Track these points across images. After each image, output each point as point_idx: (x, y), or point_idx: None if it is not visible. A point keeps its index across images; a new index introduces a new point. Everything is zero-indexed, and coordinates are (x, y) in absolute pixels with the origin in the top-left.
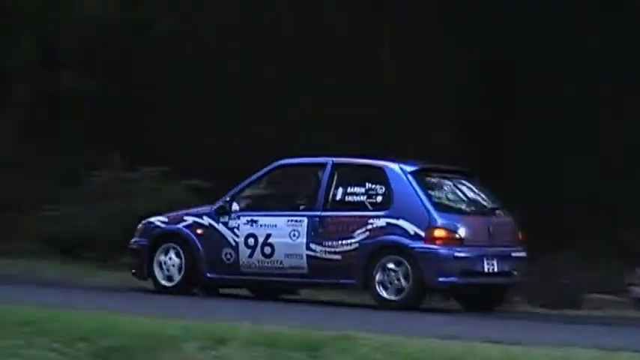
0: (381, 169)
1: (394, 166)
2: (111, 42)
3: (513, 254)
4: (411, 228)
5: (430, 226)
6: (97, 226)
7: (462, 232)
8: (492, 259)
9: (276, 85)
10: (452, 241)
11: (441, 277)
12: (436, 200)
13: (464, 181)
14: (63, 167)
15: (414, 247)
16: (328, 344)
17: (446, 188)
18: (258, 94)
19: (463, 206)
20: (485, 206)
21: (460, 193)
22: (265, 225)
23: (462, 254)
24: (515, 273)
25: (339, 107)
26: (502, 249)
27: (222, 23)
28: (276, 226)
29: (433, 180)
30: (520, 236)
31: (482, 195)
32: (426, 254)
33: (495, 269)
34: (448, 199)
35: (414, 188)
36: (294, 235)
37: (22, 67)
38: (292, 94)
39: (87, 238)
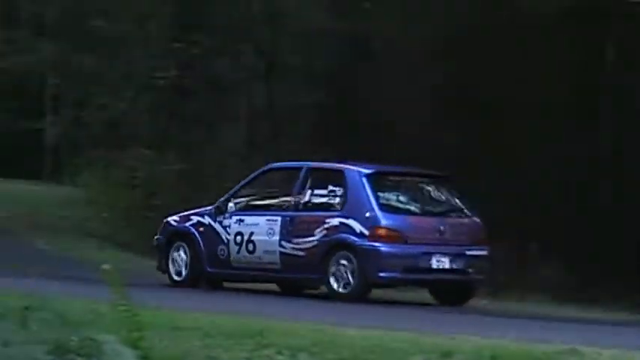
0: (341, 172)
1: (352, 169)
2: (330, 53)
3: (468, 253)
4: (358, 227)
5: (373, 226)
6: None
7: (405, 231)
8: (443, 257)
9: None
10: (394, 239)
11: (382, 272)
12: (384, 202)
13: (431, 185)
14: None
15: (359, 245)
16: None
17: (402, 191)
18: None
19: (413, 207)
20: (440, 208)
21: (417, 196)
22: (250, 224)
23: (403, 252)
24: (470, 270)
25: None
26: (456, 247)
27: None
28: (258, 224)
29: (389, 183)
30: (483, 236)
31: (446, 197)
32: (368, 251)
33: (447, 266)
34: (399, 200)
35: (365, 190)
36: (270, 233)
37: (244, 81)
38: None
39: None
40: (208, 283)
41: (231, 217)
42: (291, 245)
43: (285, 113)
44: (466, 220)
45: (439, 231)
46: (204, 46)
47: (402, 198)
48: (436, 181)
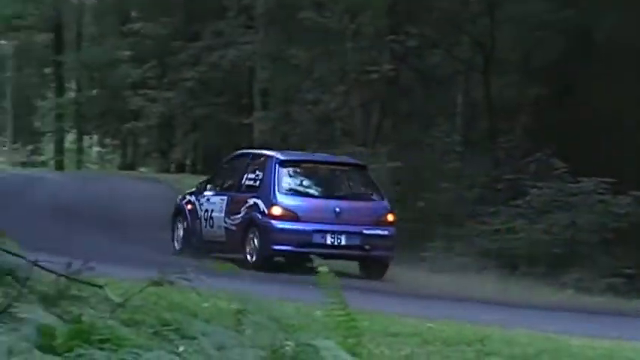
0: (265, 159)
1: (271, 156)
2: (550, 46)
3: (366, 232)
4: (262, 206)
5: (271, 205)
6: (539, 240)
7: (299, 211)
8: (339, 235)
9: None
10: (288, 217)
11: (276, 245)
12: (286, 185)
13: (346, 172)
14: (497, 179)
15: (260, 221)
16: None
17: (310, 177)
18: None
19: (312, 191)
20: (342, 192)
21: (323, 181)
22: (212, 202)
23: (295, 228)
24: (367, 247)
25: None
26: (353, 227)
27: None
28: (215, 203)
29: (300, 169)
30: (387, 218)
31: (356, 184)
32: (266, 227)
33: (343, 243)
34: (302, 185)
35: (273, 174)
36: (220, 210)
37: (460, 75)
38: None
39: (528, 253)
40: (196, 255)
41: (204, 197)
42: (230, 221)
43: (502, 108)
44: (370, 204)
45: (335, 212)
46: (420, 38)
47: (306, 182)
48: (353, 169)
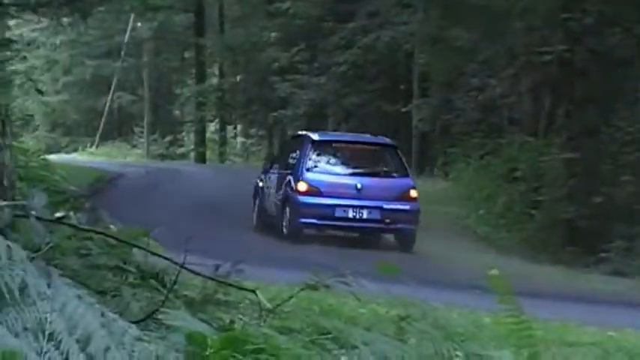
0: (303, 139)
1: (307, 137)
2: None
3: (386, 206)
4: (292, 182)
5: (297, 181)
6: None
7: (321, 186)
8: (361, 209)
9: None
10: (312, 192)
11: (302, 218)
12: (313, 163)
13: (376, 152)
14: None
15: (290, 196)
16: None
17: (339, 155)
18: None
19: (337, 168)
20: (366, 170)
21: (349, 159)
22: (271, 180)
23: (318, 202)
24: (387, 221)
25: None
26: (373, 202)
27: None
28: (272, 180)
29: (331, 149)
30: (409, 194)
31: (383, 162)
32: (293, 201)
33: (364, 216)
34: (329, 163)
35: (305, 153)
36: (273, 187)
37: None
38: None
39: None
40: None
41: (267, 175)
42: (277, 197)
43: None
44: (393, 181)
45: (356, 188)
46: (597, 15)
47: (333, 161)
48: (382, 148)
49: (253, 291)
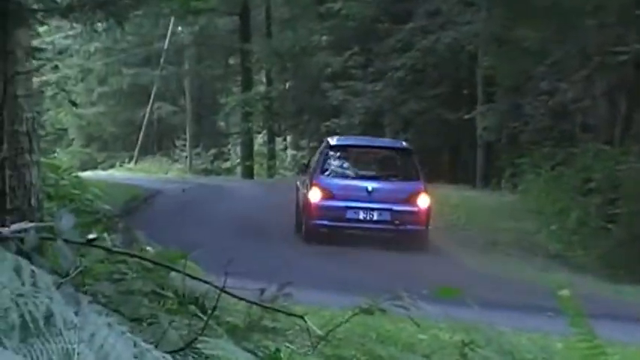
0: (324, 143)
1: (327, 141)
2: None
3: (395, 208)
4: (308, 185)
5: (312, 184)
6: None
7: (334, 189)
8: (371, 211)
9: None
10: (324, 196)
11: (315, 220)
12: (328, 166)
13: (389, 155)
14: None
15: (305, 199)
16: None
17: (353, 159)
18: None
19: (349, 172)
20: (378, 173)
21: (363, 163)
22: (302, 183)
23: (330, 205)
24: (396, 222)
25: None
26: (383, 204)
27: None
28: (302, 183)
29: (346, 153)
30: (419, 197)
31: (396, 166)
32: (307, 204)
33: (375, 218)
34: (343, 167)
35: (321, 157)
36: (301, 189)
37: None
38: None
39: None
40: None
41: (301, 179)
42: (302, 199)
43: None
44: (403, 184)
45: (367, 191)
46: None
47: (347, 164)
48: (397, 152)
49: (302, 316)
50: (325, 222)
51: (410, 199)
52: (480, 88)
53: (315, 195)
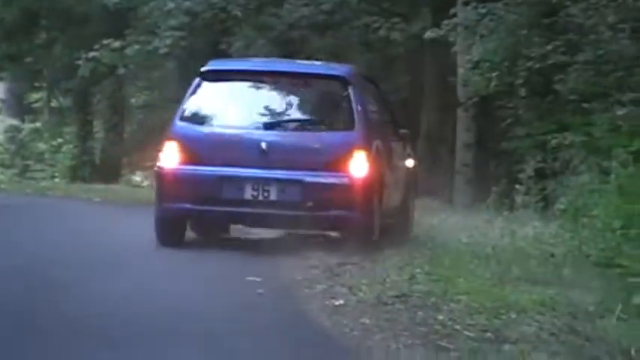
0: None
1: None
2: None
3: (308, 179)
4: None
5: (165, 139)
6: None
7: (199, 148)
8: (267, 185)
9: None
10: (184, 158)
11: (170, 202)
12: (193, 110)
13: (301, 90)
14: None
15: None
16: None
17: (239, 97)
18: None
19: (229, 117)
20: (273, 119)
21: (255, 104)
22: None
23: (192, 173)
24: (309, 204)
25: None
26: (287, 173)
27: None
28: None
29: (227, 86)
30: (351, 159)
31: (315, 106)
32: (157, 175)
33: (272, 197)
34: (219, 110)
35: (186, 94)
36: None
37: None
38: None
39: None
40: None
41: None
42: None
43: None
44: (327, 136)
45: (259, 149)
46: None
47: (227, 105)
48: (319, 83)
49: None
50: (187, 205)
51: (335, 162)
52: None
53: (168, 158)
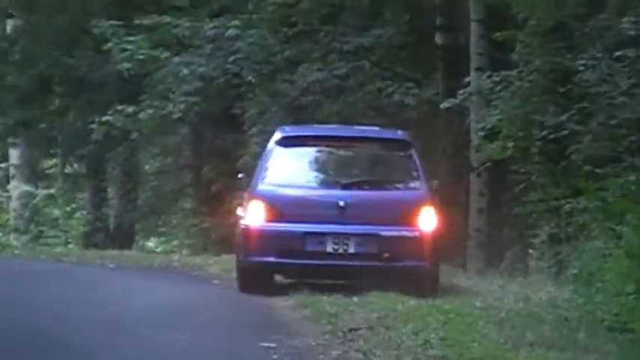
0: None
1: (276, 132)
2: None
3: (384, 233)
4: (245, 203)
5: (249, 199)
6: None
7: (283, 206)
8: (346, 239)
9: None
10: (269, 216)
11: (255, 255)
12: (274, 172)
13: (371, 152)
14: None
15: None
16: None
17: (315, 159)
18: None
19: (308, 178)
20: (350, 180)
21: (331, 165)
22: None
23: (277, 230)
24: (386, 255)
25: None
26: (364, 227)
27: None
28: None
29: (304, 150)
30: (420, 215)
31: (385, 167)
32: (242, 232)
33: (351, 250)
34: (298, 171)
35: (264, 158)
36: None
37: None
38: None
39: None
40: None
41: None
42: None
43: None
44: (399, 195)
45: (338, 206)
46: None
47: (306, 167)
48: (387, 147)
49: None
50: (271, 258)
51: (407, 217)
52: None
53: (253, 215)
